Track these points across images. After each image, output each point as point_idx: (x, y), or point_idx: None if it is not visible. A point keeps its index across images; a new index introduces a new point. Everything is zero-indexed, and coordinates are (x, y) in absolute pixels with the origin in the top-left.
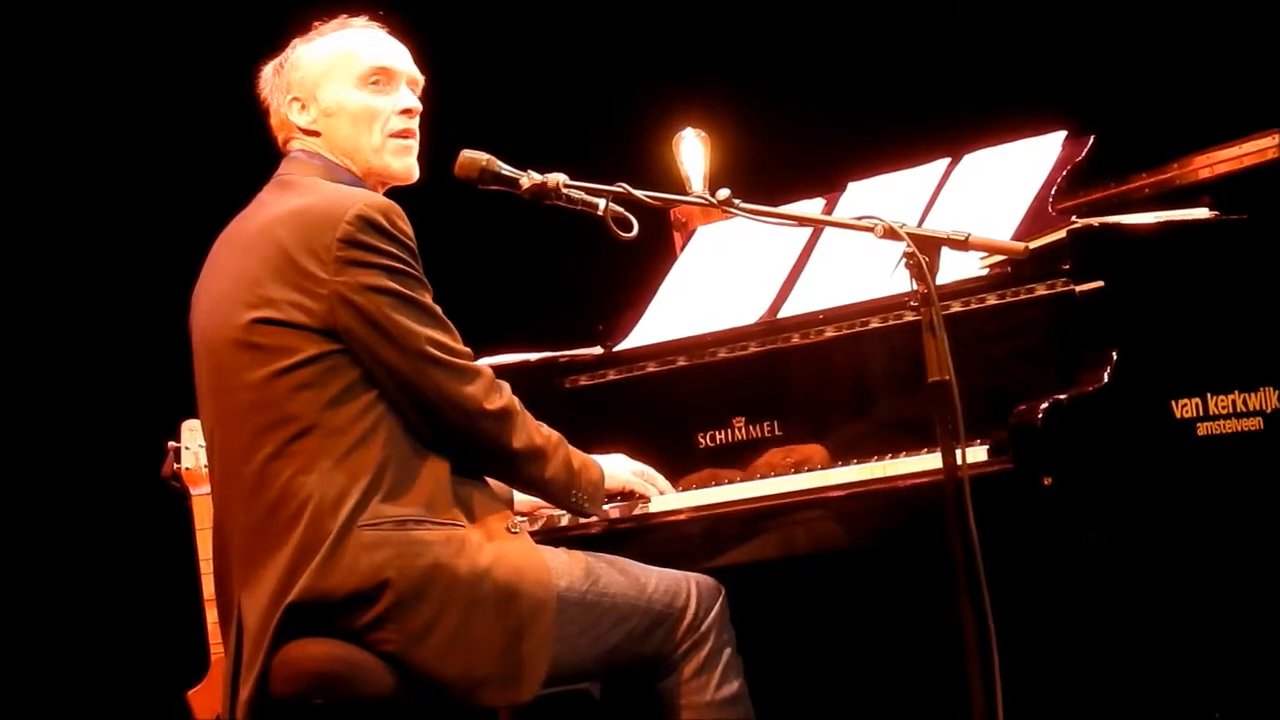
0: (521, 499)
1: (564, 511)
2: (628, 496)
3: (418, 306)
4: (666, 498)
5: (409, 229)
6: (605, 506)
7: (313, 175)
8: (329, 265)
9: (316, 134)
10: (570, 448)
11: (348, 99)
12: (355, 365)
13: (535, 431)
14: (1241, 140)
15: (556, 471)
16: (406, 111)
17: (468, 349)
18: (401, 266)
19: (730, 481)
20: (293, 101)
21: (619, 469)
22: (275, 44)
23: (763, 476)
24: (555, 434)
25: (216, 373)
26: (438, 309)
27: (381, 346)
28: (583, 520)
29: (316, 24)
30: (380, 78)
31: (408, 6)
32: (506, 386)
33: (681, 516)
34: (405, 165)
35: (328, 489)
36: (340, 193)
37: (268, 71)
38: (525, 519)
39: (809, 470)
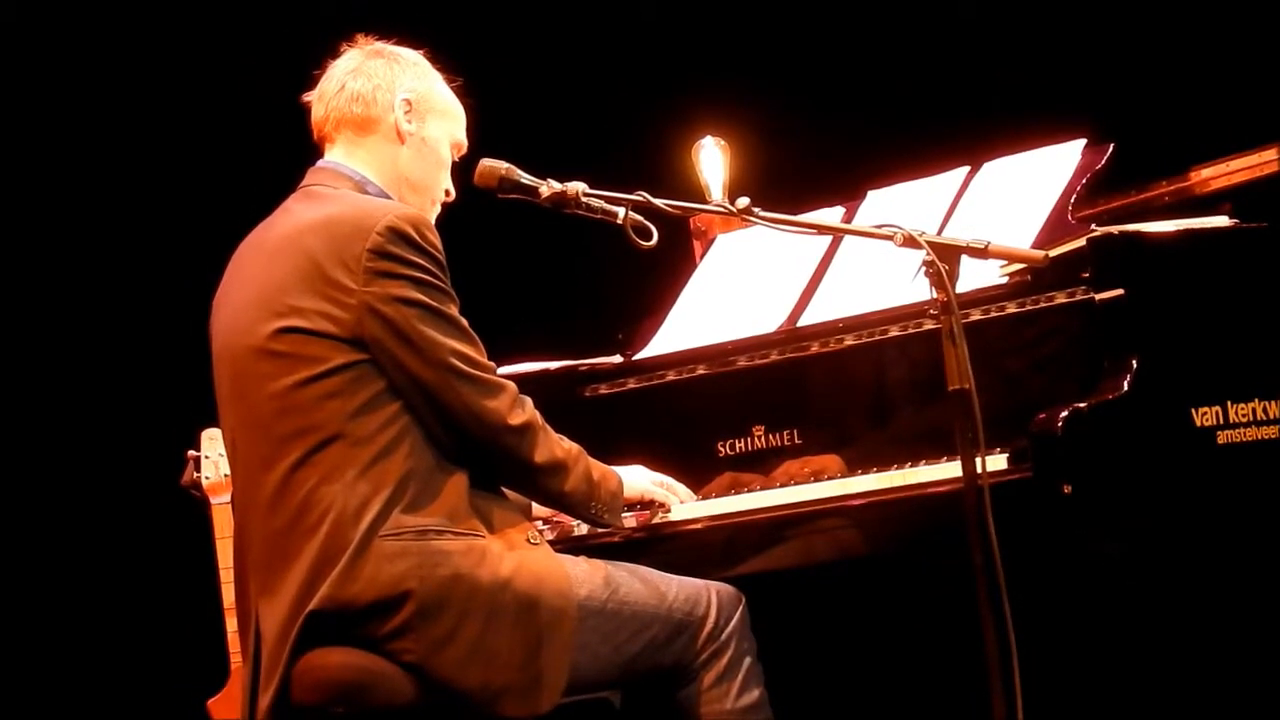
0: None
1: (584, 523)
2: (647, 505)
3: (445, 319)
4: (687, 506)
5: (438, 241)
6: (625, 515)
7: (343, 186)
8: (358, 275)
9: (401, 140)
10: (590, 459)
11: (442, 145)
12: (381, 375)
13: (556, 445)
14: (1261, 148)
15: (576, 485)
16: (448, 193)
17: (492, 364)
18: (430, 279)
19: (751, 487)
20: (405, 101)
21: (638, 479)
22: (293, 51)
23: (782, 485)
24: (575, 447)
25: (239, 380)
26: (464, 322)
27: (408, 358)
28: (601, 530)
29: (396, 39)
30: (457, 153)
31: (426, 15)
32: (529, 401)
33: (701, 525)
34: None
35: (350, 498)
36: (371, 204)
37: (360, 53)
38: (547, 527)
39: (828, 479)
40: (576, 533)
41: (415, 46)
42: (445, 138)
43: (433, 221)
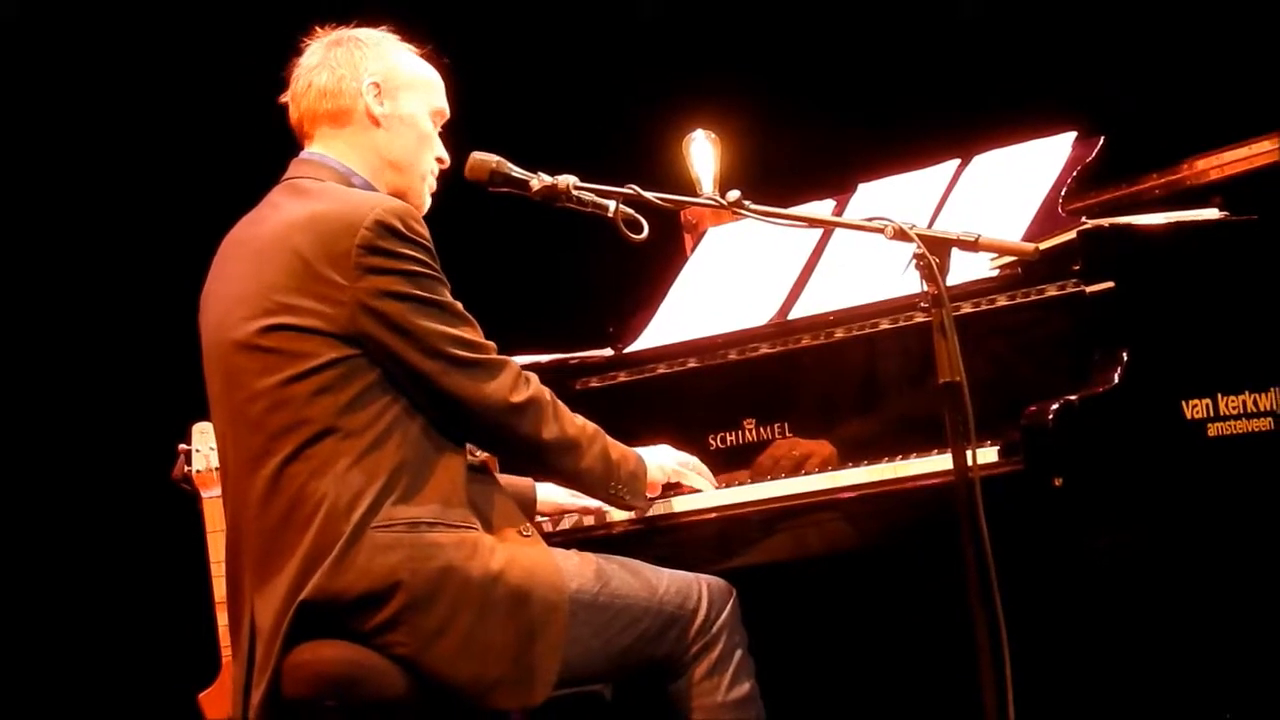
0: (544, 499)
1: (602, 504)
2: (673, 488)
3: (439, 307)
4: (677, 499)
5: (425, 230)
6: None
7: (327, 179)
8: (349, 272)
9: (376, 124)
10: (609, 439)
11: (421, 118)
12: (372, 368)
13: (568, 422)
14: (1251, 141)
15: (593, 463)
16: (441, 160)
17: (491, 343)
18: (421, 269)
19: (741, 480)
20: (373, 85)
21: (664, 460)
22: (280, 45)
23: (771, 470)
24: (592, 425)
25: (230, 377)
26: (458, 305)
27: (406, 350)
28: (607, 521)
29: (356, 21)
30: (440, 120)
31: (419, 8)
32: (534, 378)
33: (693, 518)
34: (428, 201)
35: (343, 491)
36: (356, 198)
37: (322, 46)
38: (547, 519)
39: (814, 465)
40: (582, 524)
41: (413, 39)
42: (422, 109)
43: (429, 197)
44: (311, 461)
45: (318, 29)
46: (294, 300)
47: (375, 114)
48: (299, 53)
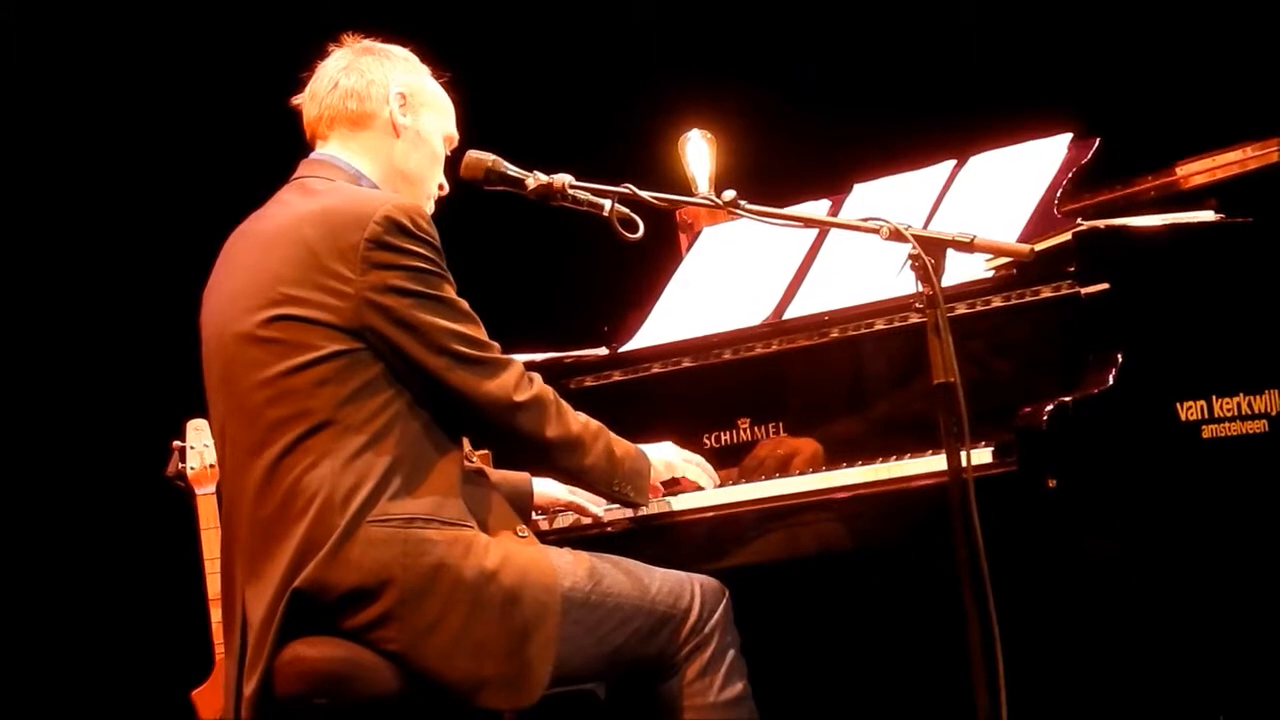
0: (541, 493)
1: (607, 501)
2: (672, 485)
3: (444, 304)
4: (674, 499)
5: (433, 229)
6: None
7: (337, 179)
8: (356, 266)
9: (396, 134)
10: (613, 436)
11: (435, 138)
12: (375, 363)
13: (572, 420)
14: (1246, 144)
15: (596, 460)
16: (441, 186)
17: (495, 343)
18: (428, 266)
19: (733, 482)
20: (400, 95)
21: (668, 456)
22: (280, 47)
23: (757, 470)
24: (595, 423)
25: (230, 367)
26: (464, 303)
27: (411, 346)
28: (602, 520)
29: (378, 37)
30: (449, 146)
31: (414, 8)
32: (538, 377)
33: (688, 517)
34: None
35: (339, 484)
36: (367, 195)
37: (350, 52)
38: (542, 516)
39: (801, 464)
40: (580, 524)
41: (402, 41)
42: (438, 131)
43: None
44: (310, 453)
45: (345, 37)
46: (299, 292)
47: (398, 124)
48: (323, 55)
